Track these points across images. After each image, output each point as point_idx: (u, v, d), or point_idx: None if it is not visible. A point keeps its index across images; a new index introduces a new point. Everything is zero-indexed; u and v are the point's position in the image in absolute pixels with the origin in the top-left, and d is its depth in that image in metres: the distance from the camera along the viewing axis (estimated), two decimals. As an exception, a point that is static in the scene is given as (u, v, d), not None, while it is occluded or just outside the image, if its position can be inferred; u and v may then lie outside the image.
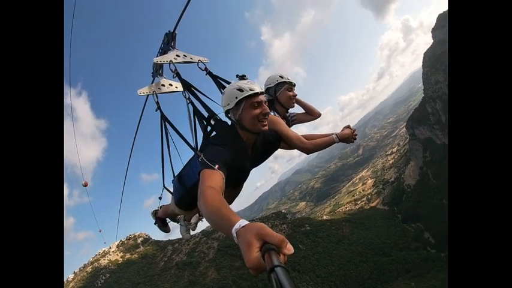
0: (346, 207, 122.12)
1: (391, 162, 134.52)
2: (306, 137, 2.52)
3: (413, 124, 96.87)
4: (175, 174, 2.60)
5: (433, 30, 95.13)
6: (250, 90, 1.90)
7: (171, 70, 2.64)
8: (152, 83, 3.28)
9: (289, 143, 2.45)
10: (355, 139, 2.55)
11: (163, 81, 3.29)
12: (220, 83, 2.60)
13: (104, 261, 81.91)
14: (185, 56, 2.87)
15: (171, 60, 2.70)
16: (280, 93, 2.72)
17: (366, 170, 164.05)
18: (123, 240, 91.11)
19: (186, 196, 2.39)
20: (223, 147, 1.85)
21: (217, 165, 1.64)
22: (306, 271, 67.55)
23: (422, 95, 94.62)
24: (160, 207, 3.24)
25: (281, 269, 0.75)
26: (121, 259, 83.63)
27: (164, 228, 3.28)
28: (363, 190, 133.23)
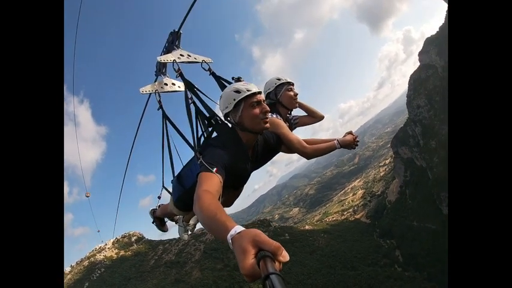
0: (332, 217, 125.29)
1: (381, 174, 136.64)
2: (307, 141, 2.47)
3: (397, 143, 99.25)
4: (175, 174, 2.55)
5: (420, 54, 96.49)
6: (248, 90, 1.88)
7: (174, 69, 2.63)
8: (155, 81, 3.25)
9: (290, 147, 2.39)
10: (357, 145, 2.52)
11: (166, 80, 3.25)
12: (223, 84, 2.54)
13: (99, 257, 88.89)
14: (189, 55, 2.84)
15: (174, 60, 2.68)
16: (281, 95, 2.66)
17: (358, 180, 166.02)
18: (118, 238, 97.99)
19: (185, 197, 2.34)
20: (223, 149, 1.82)
21: (215, 168, 1.61)
22: None
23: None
24: (159, 206, 3.23)
25: (276, 276, 0.74)
26: (115, 255, 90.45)
27: (162, 227, 3.31)
28: (352, 201, 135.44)
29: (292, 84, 2.71)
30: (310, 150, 2.37)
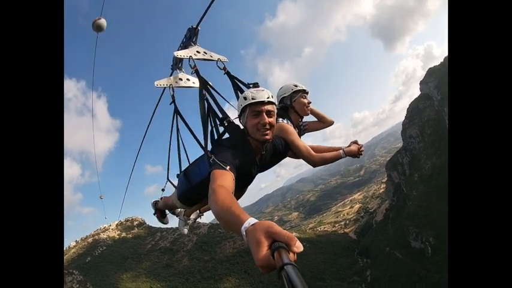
0: (324, 227, 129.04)
1: (381, 191, 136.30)
2: (314, 148, 2.52)
3: (391, 166, 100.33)
4: (182, 170, 2.61)
5: (421, 83, 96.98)
6: (252, 98, 1.91)
7: (190, 66, 2.66)
8: (171, 75, 3.28)
9: (298, 154, 2.44)
10: (362, 154, 2.54)
11: (182, 75, 3.27)
12: (237, 85, 2.63)
13: (103, 236, 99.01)
14: (205, 53, 2.89)
15: (191, 56, 2.71)
16: (295, 101, 2.72)
17: (359, 193, 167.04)
18: (122, 221, 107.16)
19: (190, 192, 2.45)
20: (232, 151, 1.87)
21: (228, 167, 1.66)
22: (254, 276, 78.78)
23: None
24: (161, 198, 3.24)
25: (291, 267, 0.74)
26: (118, 236, 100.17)
27: (162, 219, 3.37)
28: (347, 214, 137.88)
29: (307, 93, 2.78)
30: (317, 159, 2.42)
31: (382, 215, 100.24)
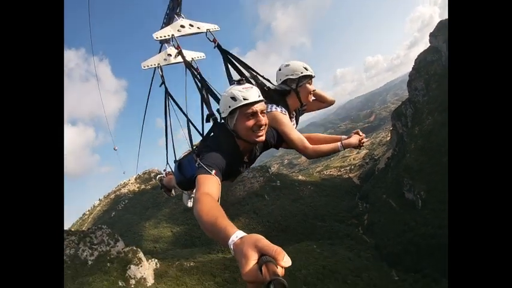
0: (330, 171, 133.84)
1: (387, 139, 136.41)
2: (310, 137, 2.37)
3: (396, 116, 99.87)
4: (176, 159, 2.60)
5: (431, 35, 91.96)
6: (244, 99, 1.77)
7: (173, 46, 2.48)
8: (160, 51, 3.01)
9: (291, 145, 2.31)
10: (363, 145, 2.40)
11: (171, 50, 3.00)
12: (230, 61, 2.40)
13: (124, 190, 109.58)
14: (191, 25, 2.62)
15: (172, 35, 2.46)
16: (301, 87, 2.45)
17: (367, 140, 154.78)
18: (140, 174, 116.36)
19: (185, 182, 2.48)
20: (219, 152, 1.79)
21: (214, 171, 1.61)
22: (262, 216, 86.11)
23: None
24: (167, 173, 3.29)
25: (278, 282, 0.75)
26: (137, 189, 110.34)
27: (168, 193, 3.45)
28: (353, 159, 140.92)
29: (313, 78, 2.53)
30: (311, 151, 2.27)
31: (384, 163, 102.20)
